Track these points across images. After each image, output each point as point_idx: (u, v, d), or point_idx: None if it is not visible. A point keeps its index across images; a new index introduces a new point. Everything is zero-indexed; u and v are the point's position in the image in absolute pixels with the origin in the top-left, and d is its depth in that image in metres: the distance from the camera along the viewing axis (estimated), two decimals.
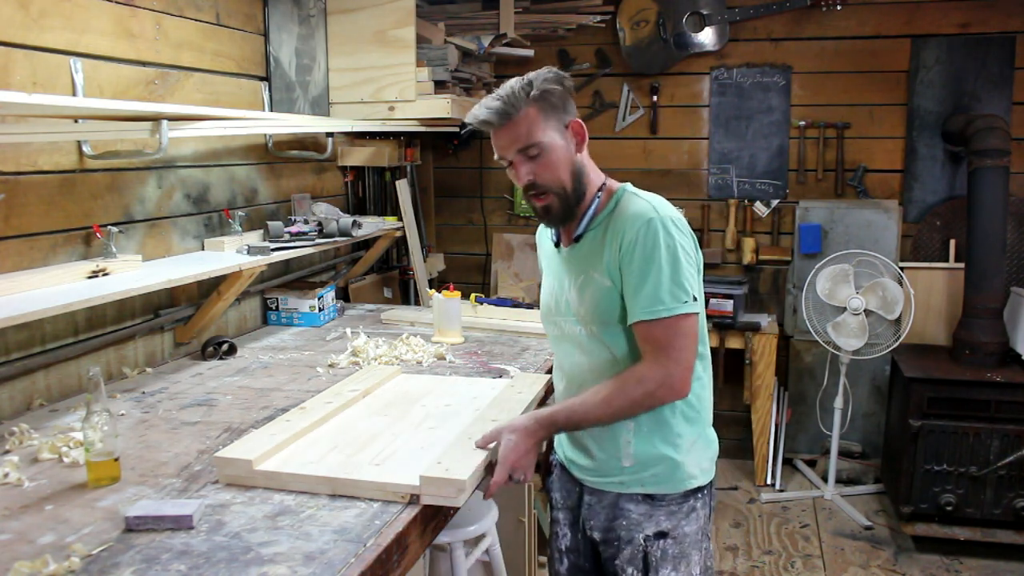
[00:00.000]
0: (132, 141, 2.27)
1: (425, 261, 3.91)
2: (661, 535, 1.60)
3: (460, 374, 2.30)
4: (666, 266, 1.48)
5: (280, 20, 3.03)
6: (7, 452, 1.73)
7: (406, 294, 4.06)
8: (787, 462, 4.13)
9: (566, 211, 1.59)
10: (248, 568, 1.23)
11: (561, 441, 1.77)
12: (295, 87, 3.13)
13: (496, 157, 1.59)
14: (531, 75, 1.56)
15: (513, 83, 1.55)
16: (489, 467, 1.57)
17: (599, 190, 1.62)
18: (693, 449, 1.61)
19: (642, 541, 1.60)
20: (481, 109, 1.55)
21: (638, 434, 1.58)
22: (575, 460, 1.70)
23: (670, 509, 1.60)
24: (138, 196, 2.38)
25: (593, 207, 1.61)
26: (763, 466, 3.98)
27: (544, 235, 1.80)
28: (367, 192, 3.84)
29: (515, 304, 3.04)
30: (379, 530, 1.35)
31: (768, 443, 3.98)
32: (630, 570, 1.62)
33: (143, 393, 2.16)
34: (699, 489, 1.63)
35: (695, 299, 1.52)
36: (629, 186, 1.64)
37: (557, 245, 1.71)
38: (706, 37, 4.03)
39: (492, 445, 1.57)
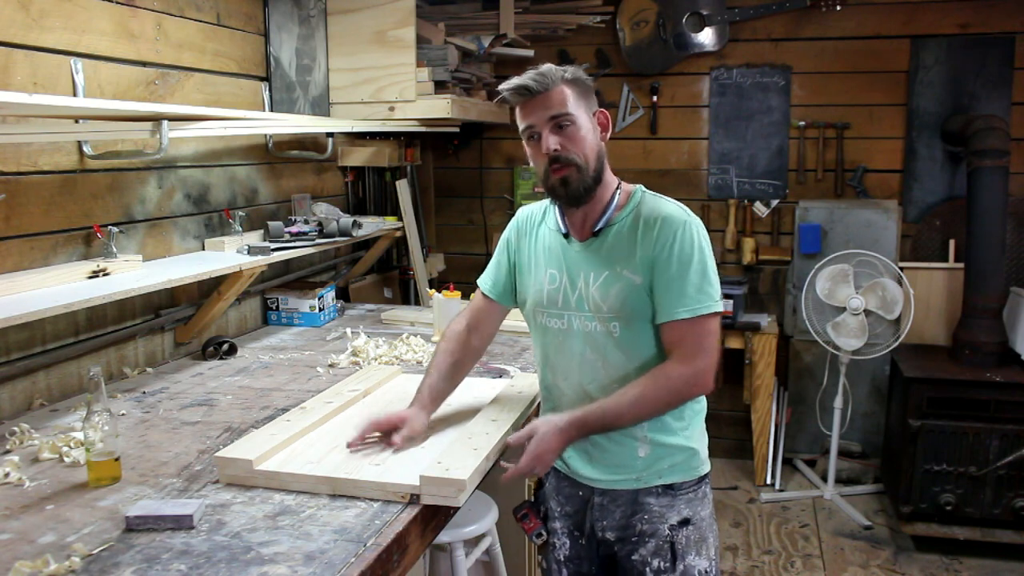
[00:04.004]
0: (132, 141, 2.27)
1: (425, 261, 3.91)
2: (684, 522, 1.64)
3: None
4: (700, 267, 1.56)
5: (280, 20, 3.04)
6: (8, 452, 1.73)
7: (406, 294, 4.06)
8: (787, 462, 4.13)
9: (583, 188, 1.60)
10: (248, 568, 1.23)
11: None
12: (295, 87, 3.14)
13: (522, 128, 1.61)
14: (564, 66, 1.64)
15: (549, 65, 1.62)
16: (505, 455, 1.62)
17: (617, 188, 1.67)
18: (701, 436, 1.70)
19: (667, 531, 1.63)
20: (518, 79, 1.59)
21: (652, 425, 1.62)
22: (582, 464, 1.68)
23: (688, 496, 1.65)
24: (139, 196, 2.39)
25: (614, 203, 1.64)
26: (763, 466, 3.98)
27: (540, 224, 1.74)
28: (367, 192, 3.85)
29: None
30: (379, 530, 1.36)
31: (768, 443, 3.98)
32: (656, 562, 1.63)
33: (143, 393, 2.16)
34: (707, 474, 1.71)
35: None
36: (644, 187, 1.69)
37: (566, 237, 1.68)
38: (706, 37, 4.03)
39: (517, 435, 1.57)
